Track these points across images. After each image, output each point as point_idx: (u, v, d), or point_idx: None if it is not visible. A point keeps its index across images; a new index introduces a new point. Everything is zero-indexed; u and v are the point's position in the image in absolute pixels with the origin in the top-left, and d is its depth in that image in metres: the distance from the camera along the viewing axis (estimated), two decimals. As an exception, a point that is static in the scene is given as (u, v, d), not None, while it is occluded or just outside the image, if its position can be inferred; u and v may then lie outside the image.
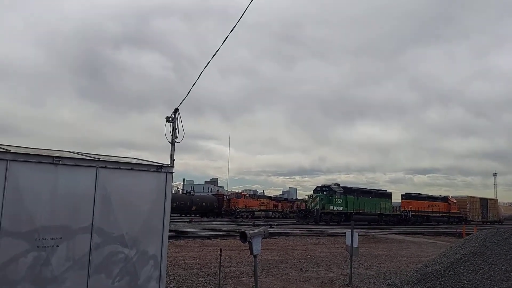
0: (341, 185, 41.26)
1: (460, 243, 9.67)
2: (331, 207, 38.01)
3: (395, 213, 46.17)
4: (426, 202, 48.06)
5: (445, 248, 10.42)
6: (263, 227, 7.47)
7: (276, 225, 30.88)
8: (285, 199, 64.14)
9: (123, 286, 5.46)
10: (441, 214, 49.14)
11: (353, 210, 39.54)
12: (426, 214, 47.34)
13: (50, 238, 4.87)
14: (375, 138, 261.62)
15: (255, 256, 6.75)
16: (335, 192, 38.94)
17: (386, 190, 46.43)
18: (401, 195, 49.05)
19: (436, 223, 47.24)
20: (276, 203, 57.63)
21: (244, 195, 53.89)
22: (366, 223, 40.68)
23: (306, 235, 22.17)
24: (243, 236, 6.59)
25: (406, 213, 45.47)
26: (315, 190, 40.09)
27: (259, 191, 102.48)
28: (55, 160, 5.04)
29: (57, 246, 4.92)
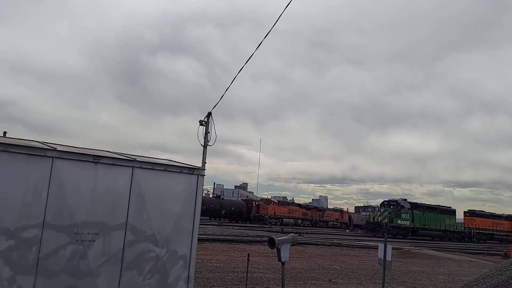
0: (407, 200, 42.06)
1: (507, 264, 8.95)
2: (399, 221, 39.04)
3: (459, 230, 45.09)
4: (490, 220, 46.78)
5: (489, 269, 9.77)
6: (291, 234, 7.41)
7: (305, 233, 30.51)
8: (315, 208, 63.22)
9: (153, 284, 5.61)
10: (505, 233, 47.39)
11: (419, 225, 40.17)
12: (490, 232, 45.98)
13: (88, 233, 5.11)
14: (411, 147, 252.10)
15: (283, 263, 6.70)
16: (402, 206, 39.87)
17: (450, 207, 45.86)
18: (464, 211, 48.03)
19: (499, 242, 45.05)
20: (306, 211, 56.95)
21: (274, 201, 53.67)
22: (430, 238, 40.84)
23: (336, 246, 21.71)
24: (272, 242, 6.57)
25: (470, 230, 44.51)
26: (382, 204, 41.46)
27: (289, 198, 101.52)
28: (96, 159, 5.29)
29: (94, 241, 5.15)
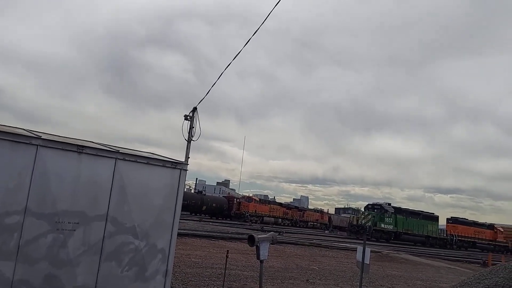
0: (391, 204, 42.77)
1: (485, 273, 9.13)
2: (382, 225, 39.73)
3: (441, 236, 45.58)
4: (472, 228, 47.38)
5: (467, 276, 10.03)
6: (271, 232, 7.54)
7: (285, 232, 30.79)
8: (296, 207, 63.73)
9: (131, 276, 5.64)
10: (487, 242, 47.99)
11: (402, 230, 40.87)
12: (472, 240, 46.63)
13: (69, 222, 5.11)
14: (393, 151, 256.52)
15: (261, 261, 6.83)
16: (386, 211, 40.56)
17: (433, 213, 46.43)
18: (447, 218, 48.69)
19: (481, 250, 45.81)
20: (287, 210, 57.35)
21: (255, 199, 53.86)
22: (413, 243, 41.39)
23: (315, 246, 21.99)
24: (251, 240, 6.69)
25: (452, 237, 45.17)
26: (366, 208, 42.31)
27: (270, 197, 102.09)
28: (79, 149, 5.29)
29: (74, 230, 5.15)
